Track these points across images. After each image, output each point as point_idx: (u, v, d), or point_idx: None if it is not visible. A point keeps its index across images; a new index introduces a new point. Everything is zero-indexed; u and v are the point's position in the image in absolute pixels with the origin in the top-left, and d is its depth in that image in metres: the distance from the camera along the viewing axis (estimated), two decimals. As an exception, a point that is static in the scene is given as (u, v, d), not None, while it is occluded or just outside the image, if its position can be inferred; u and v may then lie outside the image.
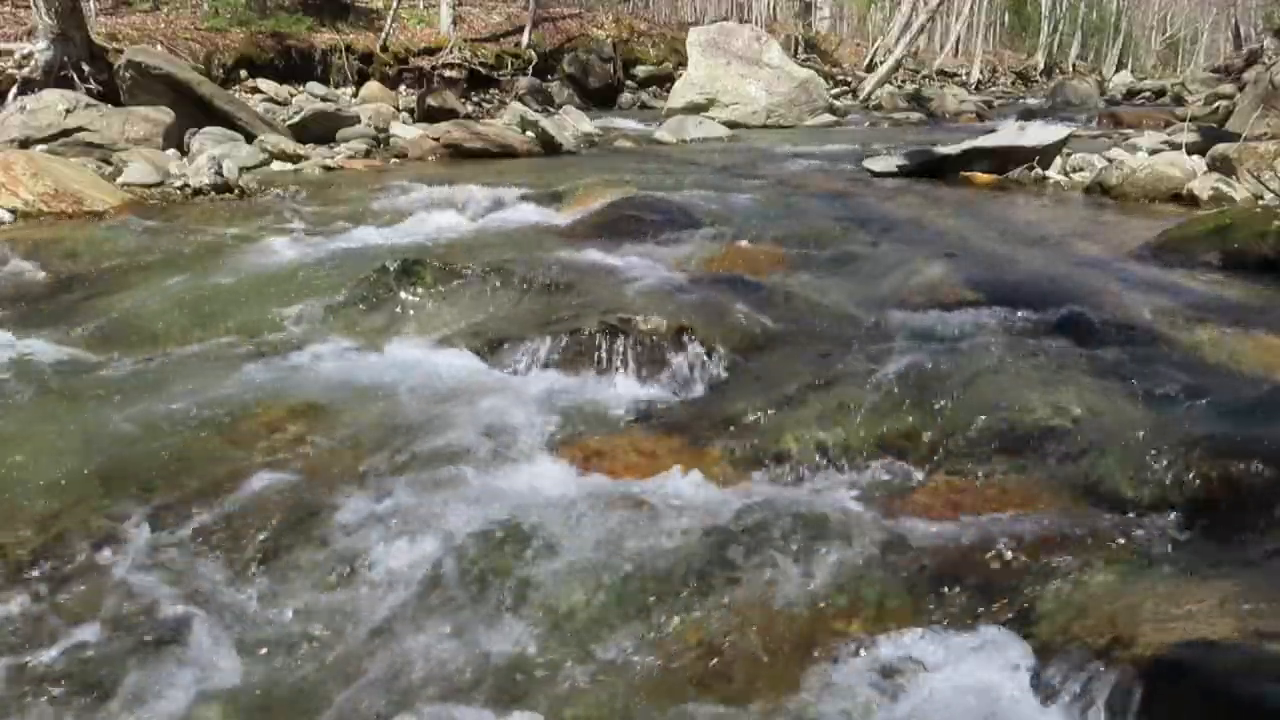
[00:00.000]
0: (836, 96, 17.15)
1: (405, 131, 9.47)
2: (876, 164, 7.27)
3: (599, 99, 16.74)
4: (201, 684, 1.56)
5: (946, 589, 1.72)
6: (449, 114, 10.72)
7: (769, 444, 2.34)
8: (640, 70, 18.64)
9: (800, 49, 23.48)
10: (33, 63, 9.14)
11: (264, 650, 1.64)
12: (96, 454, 2.29)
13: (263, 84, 12.85)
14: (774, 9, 27.47)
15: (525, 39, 17.17)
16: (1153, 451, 2.08)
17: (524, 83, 15.39)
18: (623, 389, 2.78)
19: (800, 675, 1.54)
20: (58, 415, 2.58)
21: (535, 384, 2.80)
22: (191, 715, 1.50)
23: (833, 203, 5.76)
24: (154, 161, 6.65)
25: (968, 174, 6.85)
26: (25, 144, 6.87)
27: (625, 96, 17.76)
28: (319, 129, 8.90)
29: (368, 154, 8.50)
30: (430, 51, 15.53)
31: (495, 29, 17.80)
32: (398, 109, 11.84)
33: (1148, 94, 21.98)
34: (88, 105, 7.53)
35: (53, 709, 1.50)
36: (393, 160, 8.24)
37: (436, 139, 8.46)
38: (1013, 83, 30.61)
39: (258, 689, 1.56)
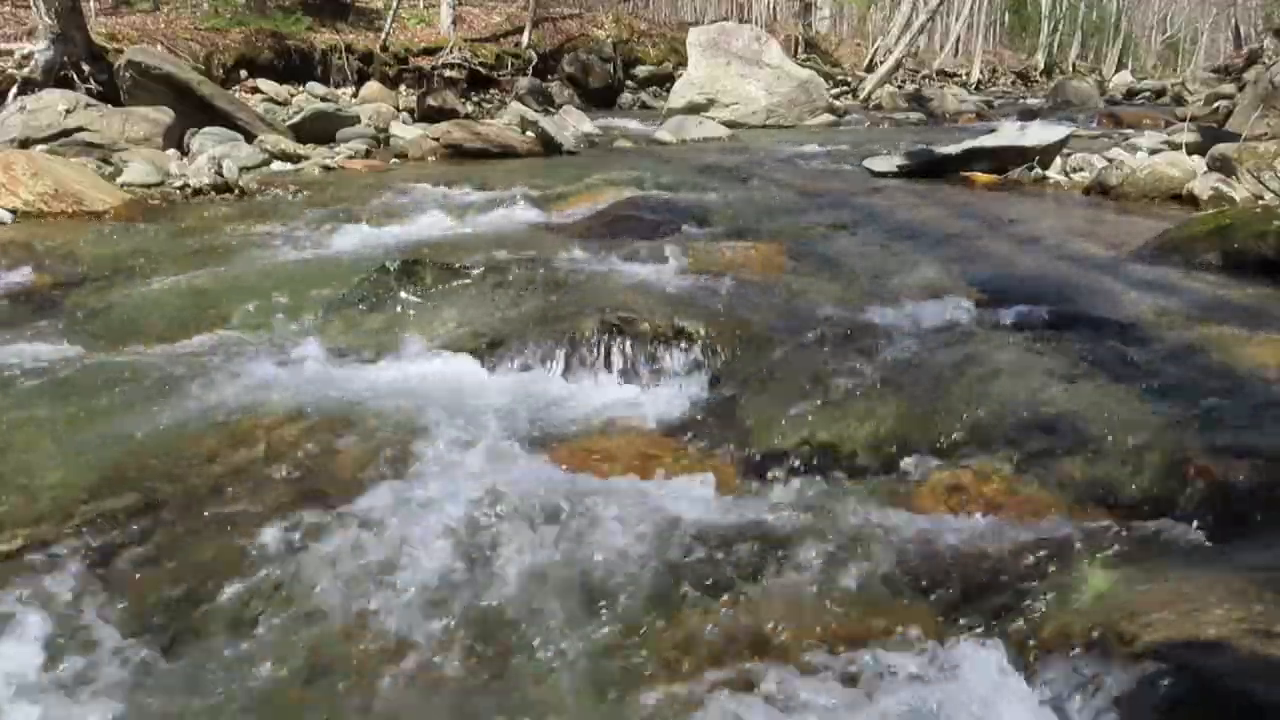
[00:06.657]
0: (836, 96, 17.18)
1: (405, 131, 9.48)
2: (876, 164, 7.27)
3: (599, 99, 16.75)
4: (188, 694, 1.56)
5: (945, 588, 1.72)
6: (449, 114, 10.73)
7: (769, 443, 2.35)
8: (640, 70, 18.66)
9: (800, 49, 23.53)
10: (33, 63, 9.16)
11: (256, 658, 1.64)
12: (94, 453, 2.29)
13: (263, 84, 12.86)
14: (774, 9, 27.48)
15: (525, 39, 17.18)
16: (1153, 451, 2.08)
17: (524, 83, 15.40)
18: (622, 388, 2.78)
19: (797, 676, 1.54)
20: (56, 415, 2.57)
21: (535, 383, 2.80)
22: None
23: (833, 202, 5.75)
24: (154, 161, 6.66)
25: (968, 174, 6.85)
26: (25, 144, 6.88)
27: (625, 96, 17.78)
28: (319, 129, 8.91)
29: (368, 154, 8.51)
30: (430, 51, 15.55)
31: (495, 29, 17.82)
32: (398, 109, 11.85)
33: (1148, 94, 21.98)
34: (88, 105, 7.54)
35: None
36: (393, 160, 8.24)
37: (436, 139, 8.47)
38: (1013, 83, 30.69)
39: (241, 697, 1.56)
